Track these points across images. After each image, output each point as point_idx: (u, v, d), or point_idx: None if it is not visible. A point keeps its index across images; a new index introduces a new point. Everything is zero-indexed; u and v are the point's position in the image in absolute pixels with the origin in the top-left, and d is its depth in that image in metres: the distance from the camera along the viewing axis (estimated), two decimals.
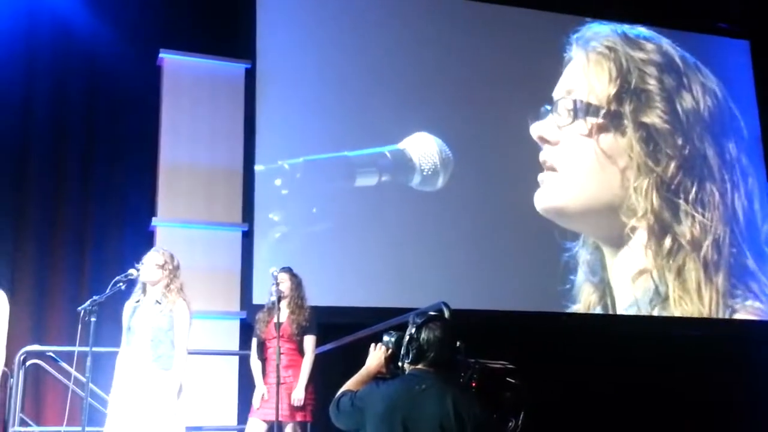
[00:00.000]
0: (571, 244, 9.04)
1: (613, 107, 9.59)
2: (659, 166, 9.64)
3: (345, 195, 8.25)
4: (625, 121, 9.57)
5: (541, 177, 9.16)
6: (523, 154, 9.11)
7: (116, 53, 7.56)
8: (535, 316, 8.29)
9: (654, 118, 9.79)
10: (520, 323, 8.03)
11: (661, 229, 9.49)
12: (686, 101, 10.05)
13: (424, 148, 8.72)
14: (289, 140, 7.95)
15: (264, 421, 5.42)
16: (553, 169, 9.22)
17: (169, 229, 7.25)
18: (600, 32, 9.85)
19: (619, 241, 9.34)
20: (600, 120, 9.49)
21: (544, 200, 9.12)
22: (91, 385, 4.89)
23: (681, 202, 9.70)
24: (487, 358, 3.32)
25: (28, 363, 6.04)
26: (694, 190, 9.78)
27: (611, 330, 8.51)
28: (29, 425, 5.98)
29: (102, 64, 7.58)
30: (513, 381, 3.25)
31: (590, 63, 9.74)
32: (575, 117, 9.43)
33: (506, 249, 8.69)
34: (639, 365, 8.07)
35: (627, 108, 9.64)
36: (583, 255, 9.12)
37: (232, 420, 6.85)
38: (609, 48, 9.85)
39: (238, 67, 7.85)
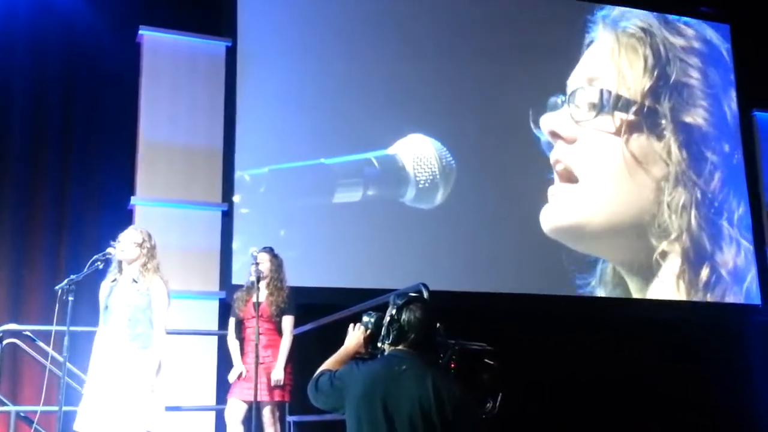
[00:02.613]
0: (582, 281, 7.92)
1: (648, 102, 8.29)
2: (701, 177, 8.40)
3: (321, 214, 7.29)
4: (663, 121, 8.32)
5: (552, 190, 7.91)
6: (537, 153, 8.00)
7: (95, 30, 7.48)
8: (516, 298, 8.01)
9: (697, 118, 8.51)
10: (500, 305, 7.87)
11: (697, 257, 8.26)
12: (735, 101, 8.98)
13: (419, 154, 7.53)
14: (268, 126, 7.64)
15: (243, 401, 5.42)
16: (567, 175, 7.92)
17: (147, 209, 7.19)
18: (632, 11, 8.67)
19: (647, 269, 8.12)
20: (631, 116, 8.18)
21: (554, 217, 7.82)
22: (68, 364, 4.87)
23: (724, 223, 8.42)
24: (466, 339, 3.33)
25: (4, 342, 5.99)
26: (741, 209, 8.61)
27: (594, 313, 8.28)
28: (5, 404, 5.94)
29: (80, 41, 7.50)
30: (491, 362, 3.26)
31: (621, 47, 8.42)
32: (600, 110, 8.08)
33: (494, 234, 7.94)
34: (622, 349, 8.09)
35: (665, 105, 8.36)
36: (601, 294, 7.97)
37: (211, 400, 6.84)
38: (644, 30, 8.56)
39: (218, 45, 7.77)
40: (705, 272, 8.28)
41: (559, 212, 7.90)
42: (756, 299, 8.99)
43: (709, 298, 8.47)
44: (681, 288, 8.29)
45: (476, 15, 8.41)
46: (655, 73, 8.47)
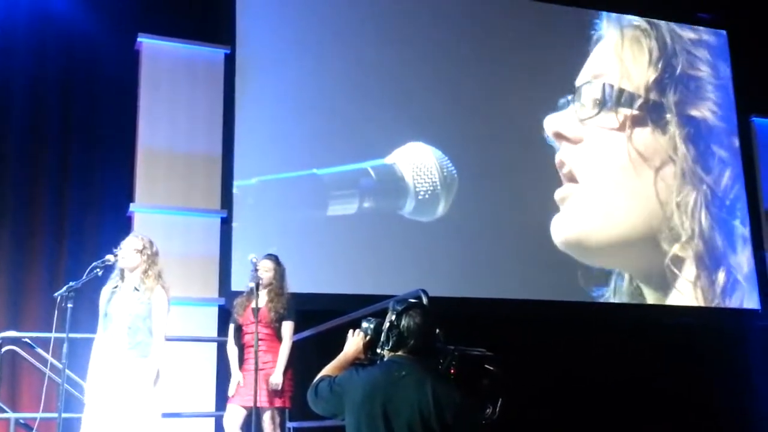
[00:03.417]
0: (597, 291, 7.60)
1: (652, 96, 7.96)
2: (710, 174, 8.07)
3: (314, 228, 6.94)
4: (668, 115, 7.96)
5: (559, 194, 7.49)
6: (545, 161, 7.67)
7: (94, 37, 7.50)
8: (517, 303, 7.95)
9: (705, 111, 8.18)
10: (500, 311, 7.83)
11: (712, 260, 7.88)
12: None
13: (419, 164, 7.17)
14: (267, 133, 7.59)
15: (243, 407, 5.42)
16: (572, 179, 7.57)
17: (146, 215, 7.21)
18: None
19: (662, 278, 7.74)
20: (635, 111, 7.84)
21: (563, 229, 7.49)
22: (67, 371, 4.87)
23: (737, 223, 8.08)
24: (466, 345, 3.33)
25: (3, 349, 6.00)
26: None
27: (594, 318, 8.22)
28: (5, 411, 5.94)
29: (79, 48, 7.52)
30: (491, 368, 3.26)
31: (625, 41, 8.11)
32: (602, 106, 7.75)
33: (498, 247, 7.76)
34: (622, 354, 8.08)
35: (671, 98, 8.02)
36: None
37: (210, 406, 6.84)
38: (650, 22, 8.27)
39: (217, 53, 7.79)
40: (721, 277, 7.92)
41: (569, 224, 7.54)
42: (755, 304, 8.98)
43: (728, 305, 8.22)
44: (699, 296, 7.99)
45: (478, 19, 8.19)
46: (660, 65, 8.14)
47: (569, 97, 7.80)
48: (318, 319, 6.28)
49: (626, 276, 8.01)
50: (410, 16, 8.14)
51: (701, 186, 8.00)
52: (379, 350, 3.20)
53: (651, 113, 8.01)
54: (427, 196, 7.15)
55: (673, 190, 7.95)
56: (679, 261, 7.80)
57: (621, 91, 7.89)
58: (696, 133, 8.11)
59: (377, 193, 7.17)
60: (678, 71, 8.23)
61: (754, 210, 9.35)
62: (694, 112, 8.14)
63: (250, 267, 5.57)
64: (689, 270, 7.88)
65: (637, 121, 7.89)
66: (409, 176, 7.22)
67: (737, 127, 9.47)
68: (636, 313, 8.54)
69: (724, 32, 9.39)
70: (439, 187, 7.25)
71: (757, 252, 9.14)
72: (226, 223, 7.42)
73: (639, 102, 7.95)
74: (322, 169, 7.00)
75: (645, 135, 7.85)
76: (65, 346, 4.75)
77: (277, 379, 5.39)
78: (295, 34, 8.01)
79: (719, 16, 9.77)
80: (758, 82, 9.50)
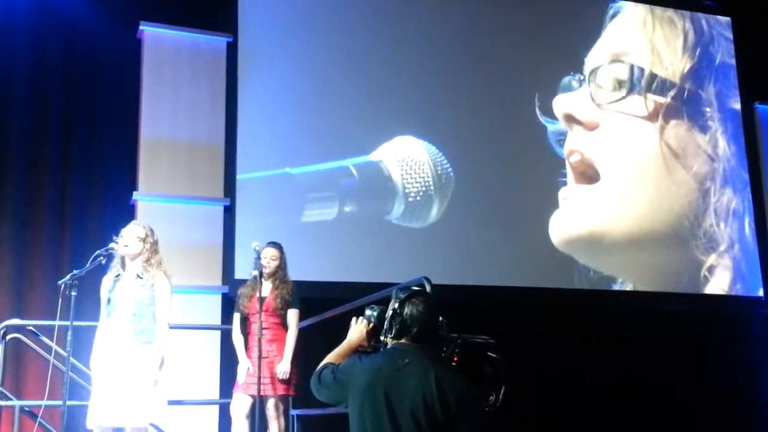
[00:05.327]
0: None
1: (688, 86, 7.16)
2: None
3: (288, 237, 6.09)
4: (707, 109, 7.25)
5: (564, 192, 6.68)
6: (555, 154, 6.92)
7: (96, 25, 7.49)
8: (520, 291, 7.87)
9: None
10: (503, 298, 7.79)
11: (752, 272, 7.21)
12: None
13: (409, 160, 6.40)
14: (269, 121, 7.54)
15: (248, 395, 5.43)
16: (585, 168, 6.62)
17: (150, 204, 7.22)
18: None
19: (688, 287, 6.88)
20: (668, 100, 7.02)
21: (567, 225, 6.55)
22: (71, 359, 4.89)
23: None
24: (469, 332, 3.34)
25: (8, 337, 6.02)
26: None
27: (597, 306, 8.19)
28: (9, 399, 5.96)
29: (81, 37, 7.51)
30: (494, 356, 3.26)
31: (656, 20, 7.32)
32: (630, 90, 6.93)
33: (492, 225, 7.46)
34: (625, 341, 8.10)
35: (710, 90, 7.27)
36: None
37: (214, 394, 6.86)
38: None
39: (219, 41, 7.78)
40: (761, 292, 7.22)
41: (573, 218, 6.65)
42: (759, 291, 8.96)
43: (735, 293, 7.86)
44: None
45: (480, 6, 7.70)
46: (697, 52, 7.41)
47: (579, 78, 6.98)
48: (321, 307, 6.29)
49: (629, 285, 7.45)
50: (407, 2, 7.89)
51: (745, 189, 7.23)
52: (382, 338, 3.21)
53: (687, 105, 7.23)
54: (418, 198, 6.37)
55: (710, 192, 7.25)
56: (714, 271, 7.11)
57: (652, 75, 7.11)
58: (740, 130, 7.33)
59: (360, 195, 6.43)
60: (717, 61, 7.49)
61: (758, 198, 9.31)
62: (738, 105, 7.35)
63: (253, 255, 5.57)
64: (724, 281, 7.18)
65: (670, 112, 7.08)
66: (397, 175, 6.46)
67: (741, 114, 9.44)
68: (637, 301, 8.50)
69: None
70: (432, 188, 6.51)
71: (760, 239, 9.12)
72: (229, 212, 7.43)
73: (673, 91, 7.18)
74: (295, 168, 6.23)
75: (680, 129, 7.04)
76: (70, 333, 4.77)
77: (284, 367, 5.40)
78: (297, 22, 7.97)
79: (724, 2, 9.72)
80: (763, 70, 9.45)
